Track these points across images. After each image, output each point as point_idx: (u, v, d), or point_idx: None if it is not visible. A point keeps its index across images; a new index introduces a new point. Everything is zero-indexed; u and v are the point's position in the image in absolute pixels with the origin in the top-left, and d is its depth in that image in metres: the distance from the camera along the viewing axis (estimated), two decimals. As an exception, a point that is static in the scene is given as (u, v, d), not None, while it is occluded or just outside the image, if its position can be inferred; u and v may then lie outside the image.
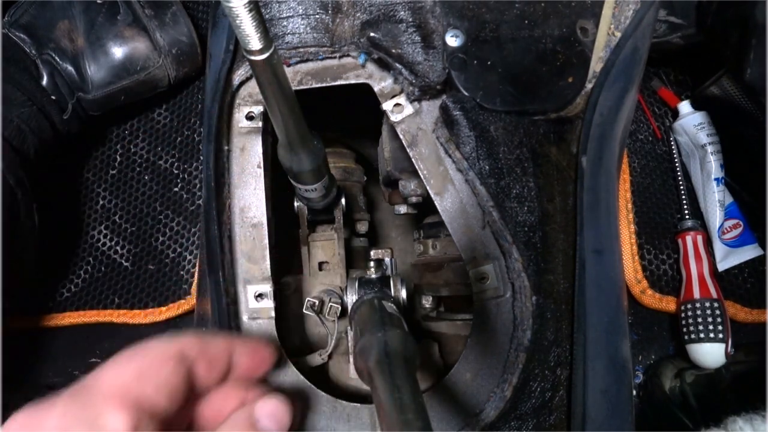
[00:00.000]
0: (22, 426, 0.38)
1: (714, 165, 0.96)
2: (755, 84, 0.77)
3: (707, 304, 0.88)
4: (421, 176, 0.64)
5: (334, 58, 0.66)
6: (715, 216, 0.96)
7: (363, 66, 0.65)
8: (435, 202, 0.64)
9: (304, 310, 0.69)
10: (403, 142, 0.65)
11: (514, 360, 0.59)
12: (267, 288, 0.63)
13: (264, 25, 0.39)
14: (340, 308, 0.69)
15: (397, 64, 0.63)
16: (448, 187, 0.63)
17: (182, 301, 0.96)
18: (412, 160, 0.64)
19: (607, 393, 0.59)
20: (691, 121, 0.99)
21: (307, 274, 0.78)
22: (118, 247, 1.02)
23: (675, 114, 1.04)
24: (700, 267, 0.92)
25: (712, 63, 0.99)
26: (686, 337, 0.89)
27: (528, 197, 0.62)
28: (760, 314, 0.93)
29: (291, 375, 0.62)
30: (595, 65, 0.65)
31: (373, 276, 0.65)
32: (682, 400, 0.86)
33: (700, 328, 0.87)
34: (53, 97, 0.94)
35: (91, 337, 0.98)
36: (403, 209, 0.83)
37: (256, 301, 0.63)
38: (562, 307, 0.60)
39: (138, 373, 0.41)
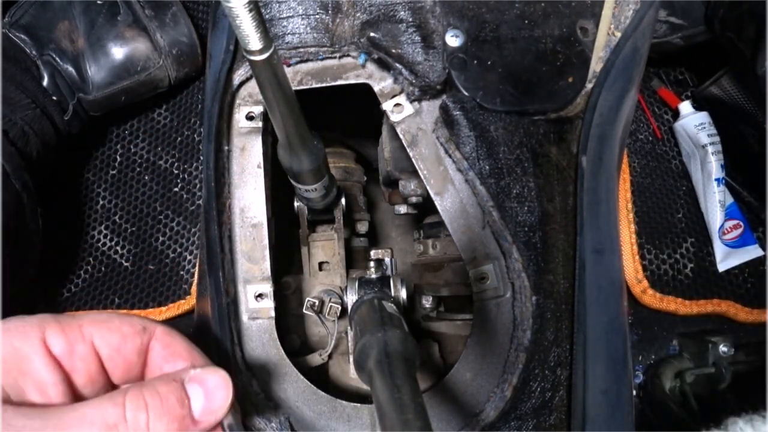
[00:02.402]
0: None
1: (714, 165, 0.96)
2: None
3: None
4: (421, 176, 0.64)
5: (334, 58, 0.65)
6: (715, 216, 0.96)
7: (363, 66, 0.65)
8: (435, 202, 0.63)
9: (304, 310, 0.69)
10: (403, 142, 0.65)
11: (514, 360, 0.59)
12: (267, 288, 0.63)
13: (264, 25, 0.39)
14: (340, 308, 0.69)
15: (397, 64, 0.63)
16: (448, 187, 0.63)
17: (182, 301, 0.96)
18: (412, 160, 0.64)
19: (607, 393, 0.59)
20: (691, 122, 0.99)
21: (307, 274, 0.78)
22: (118, 247, 1.02)
23: (675, 114, 1.04)
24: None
25: (713, 63, 0.99)
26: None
27: (528, 197, 0.62)
28: (760, 314, 0.93)
29: (291, 375, 0.62)
30: (595, 65, 0.65)
31: (373, 276, 0.65)
32: (682, 400, 0.86)
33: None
34: (54, 98, 0.94)
35: (91, 337, 0.98)
36: (403, 209, 0.82)
37: (256, 301, 0.63)
38: (562, 307, 0.60)
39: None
